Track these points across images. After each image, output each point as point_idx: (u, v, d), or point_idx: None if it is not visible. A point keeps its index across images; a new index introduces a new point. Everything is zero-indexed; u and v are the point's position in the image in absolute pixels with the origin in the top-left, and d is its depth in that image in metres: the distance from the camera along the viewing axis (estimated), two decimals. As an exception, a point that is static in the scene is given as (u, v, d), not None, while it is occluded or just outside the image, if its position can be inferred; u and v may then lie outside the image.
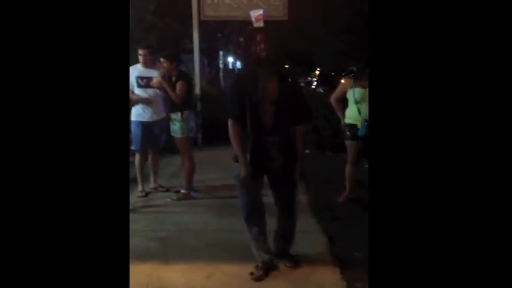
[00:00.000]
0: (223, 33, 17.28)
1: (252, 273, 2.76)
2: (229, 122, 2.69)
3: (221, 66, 22.03)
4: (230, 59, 27.23)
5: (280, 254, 2.93)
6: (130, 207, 4.25)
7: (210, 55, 17.25)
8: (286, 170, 2.76)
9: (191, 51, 7.64)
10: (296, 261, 2.91)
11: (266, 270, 2.80)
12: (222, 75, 21.37)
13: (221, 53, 21.46)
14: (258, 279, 2.73)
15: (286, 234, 2.93)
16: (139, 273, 2.79)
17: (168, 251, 3.16)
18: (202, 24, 7.65)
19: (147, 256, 2.98)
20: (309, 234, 3.48)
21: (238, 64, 34.89)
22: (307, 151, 7.40)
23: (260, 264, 2.81)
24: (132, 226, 3.71)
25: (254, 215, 2.82)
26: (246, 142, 2.69)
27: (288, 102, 2.68)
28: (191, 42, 7.76)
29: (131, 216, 4.00)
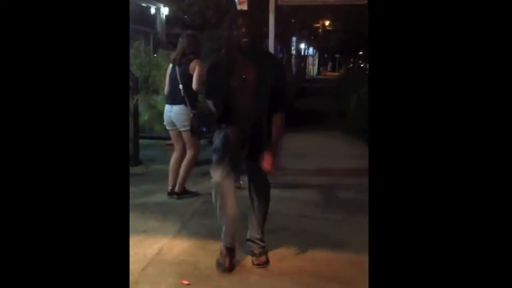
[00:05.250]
0: (297, 18, 17.11)
1: (217, 261, 2.70)
2: (208, 102, 2.75)
3: (293, 52, 21.91)
4: (302, 45, 27.00)
5: (250, 239, 2.85)
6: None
7: (282, 40, 17.18)
8: (258, 158, 2.62)
9: (266, 36, 7.66)
10: (262, 260, 2.75)
11: (231, 257, 2.71)
12: (293, 61, 21.27)
13: (294, 38, 21.32)
14: (224, 268, 2.65)
15: (256, 220, 2.84)
16: (213, 250, 2.88)
17: (241, 232, 3.22)
18: (278, 9, 7.60)
19: (219, 235, 3.05)
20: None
21: (311, 50, 34.59)
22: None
23: (224, 251, 2.72)
24: (208, 206, 3.82)
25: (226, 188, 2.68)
26: (220, 130, 2.68)
27: (267, 90, 2.56)
28: (266, 27, 7.78)
29: (209, 196, 4.14)
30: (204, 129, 4.07)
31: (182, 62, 3.93)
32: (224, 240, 2.73)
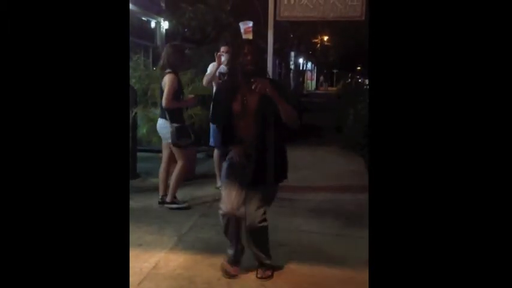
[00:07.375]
0: (295, 34, 17.24)
1: (224, 270, 2.77)
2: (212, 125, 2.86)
3: (292, 67, 22.03)
4: (300, 60, 27.17)
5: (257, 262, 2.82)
6: (207, 204, 4.38)
7: (281, 55, 17.29)
8: (260, 182, 2.66)
9: (264, 51, 7.70)
10: (267, 274, 2.77)
11: (235, 263, 2.80)
12: (292, 75, 21.37)
13: (292, 53, 21.45)
14: (230, 276, 2.74)
15: (257, 247, 2.76)
16: (211, 265, 2.88)
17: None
18: (277, 24, 7.62)
19: (218, 250, 3.04)
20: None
21: (309, 65, 34.79)
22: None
23: (230, 258, 2.81)
24: (205, 220, 3.86)
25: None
26: (227, 158, 2.75)
27: (269, 114, 2.59)
28: (265, 42, 7.84)
29: (207, 210, 4.19)
30: (189, 141, 3.99)
31: (162, 75, 3.93)
32: (233, 256, 2.82)
